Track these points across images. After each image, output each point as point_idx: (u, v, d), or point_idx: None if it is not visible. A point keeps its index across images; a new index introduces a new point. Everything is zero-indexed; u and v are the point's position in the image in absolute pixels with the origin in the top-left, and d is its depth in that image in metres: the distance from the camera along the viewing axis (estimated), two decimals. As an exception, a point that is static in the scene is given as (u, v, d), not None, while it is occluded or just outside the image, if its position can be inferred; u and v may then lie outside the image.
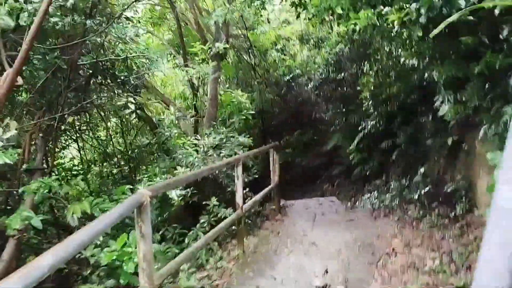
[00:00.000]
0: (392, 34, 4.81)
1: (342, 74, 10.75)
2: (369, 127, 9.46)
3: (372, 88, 9.39)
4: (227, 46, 9.72)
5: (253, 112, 10.24)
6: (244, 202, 5.88)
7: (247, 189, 7.26)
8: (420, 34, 3.85)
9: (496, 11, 3.15)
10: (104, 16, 7.81)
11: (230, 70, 11.73)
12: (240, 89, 10.50)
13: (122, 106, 8.54)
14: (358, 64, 10.24)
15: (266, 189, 7.19)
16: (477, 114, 4.57)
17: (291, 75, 13.08)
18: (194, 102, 9.98)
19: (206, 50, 9.30)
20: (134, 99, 8.42)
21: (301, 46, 12.72)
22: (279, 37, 12.65)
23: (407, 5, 3.82)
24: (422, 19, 3.58)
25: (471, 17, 3.31)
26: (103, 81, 8.77)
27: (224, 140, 8.01)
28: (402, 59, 6.67)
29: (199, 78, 9.48)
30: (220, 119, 9.81)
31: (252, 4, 9.02)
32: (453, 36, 4.06)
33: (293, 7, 6.09)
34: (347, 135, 10.93)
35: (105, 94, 9.19)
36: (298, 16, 6.26)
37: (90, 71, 8.12)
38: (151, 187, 3.64)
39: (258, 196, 6.71)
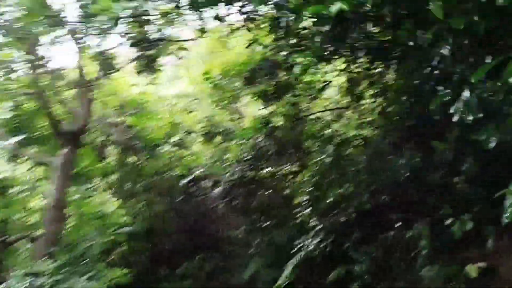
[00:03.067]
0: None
1: (262, 173, 8.56)
2: (308, 248, 7.02)
3: (310, 189, 7.08)
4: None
5: (129, 229, 6.70)
6: None
7: None
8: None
9: None
10: None
11: (94, 163, 7.97)
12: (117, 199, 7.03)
13: None
14: (285, 158, 7.85)
15: None
16: None
17: (191, 177, 10.08)
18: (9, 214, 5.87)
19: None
20: None
21: (206, 141, 9.87)
22: (177, 127, 9.69)
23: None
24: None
25: None
26: None
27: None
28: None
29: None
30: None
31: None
32: None
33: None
34: (271, 261, 8.52)
35: None
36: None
37: None
38: None
39: None
